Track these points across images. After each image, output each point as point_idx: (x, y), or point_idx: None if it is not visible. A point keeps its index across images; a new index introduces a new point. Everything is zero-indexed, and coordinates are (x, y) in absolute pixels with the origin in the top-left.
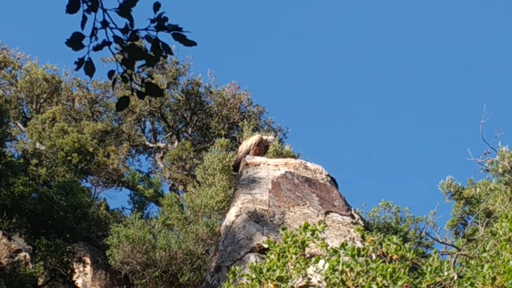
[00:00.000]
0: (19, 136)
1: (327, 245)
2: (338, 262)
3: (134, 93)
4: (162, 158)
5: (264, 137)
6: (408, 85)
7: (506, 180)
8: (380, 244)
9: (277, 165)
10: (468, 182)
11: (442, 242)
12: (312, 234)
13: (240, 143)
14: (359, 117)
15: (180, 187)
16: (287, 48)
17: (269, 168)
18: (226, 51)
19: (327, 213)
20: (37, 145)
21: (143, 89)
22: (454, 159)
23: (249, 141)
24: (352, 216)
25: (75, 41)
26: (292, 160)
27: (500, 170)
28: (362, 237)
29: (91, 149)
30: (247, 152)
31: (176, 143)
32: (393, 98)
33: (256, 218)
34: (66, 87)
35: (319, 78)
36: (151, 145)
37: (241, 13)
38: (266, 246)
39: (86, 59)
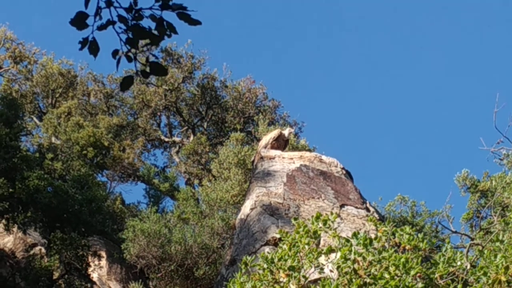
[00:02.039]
0: (35, 130)
1: (339, 235)
2: (350, 251)
3: (139, 73)
4: (177, 152)
5: (284, 132)
6: (420, 78)
7: None
8: (393, 234)
9: (292, 158)
10: (484, 175)
11: (455, 232)
12: (325, 224)
13: (255, 137)
14: (374, 111)
15: (196, 181)
16: (302, 42)
17: (284, 161)
18: (242, 45)
19: (342, 206)
20: (53, 139)
21: (147, 69)
22: (469, 150)
23: (268, 136)
24: (367, 209)
25: (79, 21)
26: (307, 153)
27: None
28: (376, 228)
29: (106, 144)
30: (265, 147)
31: (191, 137)
32: (407, 92)
33: (271, 211)
34: (82, 81)
35: (334, 72)
36: (166, 139)
37: (255, 7)
38: (279, 236)
39: (90, 38)
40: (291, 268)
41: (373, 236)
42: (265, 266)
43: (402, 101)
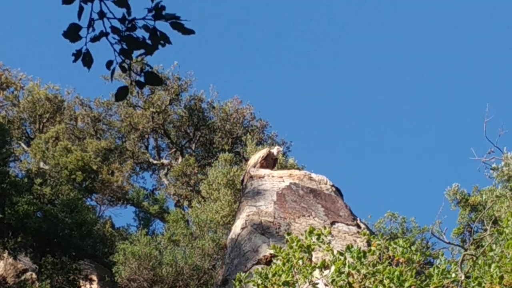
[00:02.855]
0: (23, 156)
1: (332, 249)
2: (344, 264)
3: (134, 84)
4: (166, 174)
5: (272, 151)
6: (408, 91)
7: (511, 186)
8: (386, 247)
9: (281, 177)
10: (474, 189)
11: (449, 243)
12: (318, 239)
13: (244, 158)
14: (362, 128)
15: (185, 203)
16: (289, 62)
17: (273, 180)
18: (228, 66)
19: (332, 223)
20: (41, 164)
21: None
22: (458, 163)
23: (257, 155)
24: (358, 226)
25: (72, 33)
26: (296, 172)
27: (506, 177)
28: (368, 243)
29: (95, 167)
30: (254, 166)
31: (180, 159)
32: (394, 107)
33: (262, 230)
34: (69, 106)
35: (320, 90)
36: (155, 162)
37: (241, 28)
38: (271, 251)
39: (83, 50)
40: (286, 283)
41: (366, 249)
42: (259, 282)
43: (390, 116)
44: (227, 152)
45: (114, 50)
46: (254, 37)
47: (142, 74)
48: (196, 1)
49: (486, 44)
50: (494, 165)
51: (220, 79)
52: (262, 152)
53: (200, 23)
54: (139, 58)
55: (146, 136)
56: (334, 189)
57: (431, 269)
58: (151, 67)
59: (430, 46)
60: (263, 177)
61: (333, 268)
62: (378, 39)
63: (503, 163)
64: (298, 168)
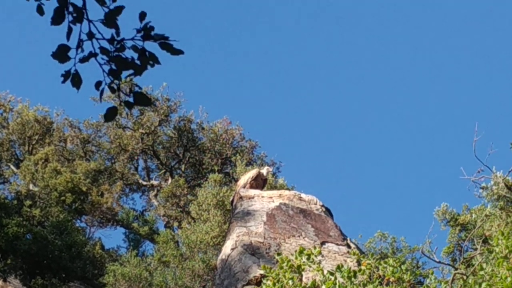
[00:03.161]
0: (12, 178)
1: (322, 269)
2: (335, 284)
3: (123, 105)
4: (156, 195)
5: (262, 171)
6: (397, 112)
7: (501, 205)
8: (377, 267)
9: (271, 197)
10: (464, 208)
11: (439, 262)
12: (308, 259)
13: (234, 178)
14: (352, 148)
15: (175, 224)
16: (277, 83)
17: (263, 201)
18: (217, 86)
19: (323, 243)
20: (31, 186)
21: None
22: (448, 182)
23: (246, 176)
24: (348, 246)
25: (61, 53)
26: (286, 192)
27: (495, 196)
28: (358, 262)
29: (84, 189)
30: (244, 187)
31: (169, 180)
32: (381, 127)
33: (252, 251)
34: (58, 127)
35: (311, 110)
36: (144, 183)
37: (229, 48)
38: (262, 272)
39: (72, 71)
40: None
41: (356, 269)
42: None
43: (379, 137)
44: (216, 173)
45: (103, 70)
46: (243, 58)
47: (131, 94)
48: (185, 22)
49: (474, 65)
50: (483, 184)
51: (209, 99)
52: (252, 173)
53: (189, 43)
54: (128, 79)
55: (136, 157)
56: (324, 209)
57: None
58: (140, 88)
59: (414, 70)
60: (253, 197)
61: (324, 287)
62: (362, 62)
63: (492, 182)
64: (287, 189)
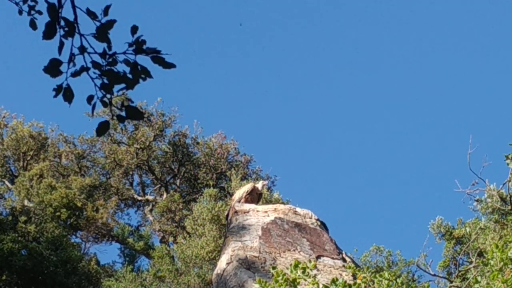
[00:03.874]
0: (7, 194)
1: (318, 282)
2: None
3: (115, 118)
4: (151, 210)
5: (257, 185)
6: (392, 123)
7: (495, 218)
8: (372, 281)
9: (266, 211)
10: (458, 221)
11: (434, 275)
12: (303, 272)
13: (229, 193)
14: (347, 162)
15: (170, 239)
16: (272, 96)
17: (258, 215)
18: (212, 101)
19: (318, 257)
20: (26, 202)
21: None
22: (442, 195)
23: (241, 190)
24: (344, 260)
25: (53, 68)
26: (281, 206)
27: (490, 209)
28: (354, 276)
29: (79, 204)
30: (239, 201)
31: (164, 195)
32: (376, 141)
33: (247, 265)
34: (53, 143)
35: (305, 124)
36: (139, 198)
37: (224, 62)
38: (257, 286)
39: (64, 85)
40: None
41: (352, 283)
42: None
43: (373, 149)
44: (211, 188)
45: (95, 84)
46: (238, 72)
47: (123, 108)
48: (179, 35)
49: (468, 77)
50: (478, 197)
51: (204, 114)
52: (247, 187)
53: (183, 57)
54: (120, 93)
55: (131, 172)
56: (319, 223)
57: None
58: (132, 101)
59: (406, 84)
60: (248, 212)
61: None
62: (351, 78)
63: (486, 194)
64: (283, 203)
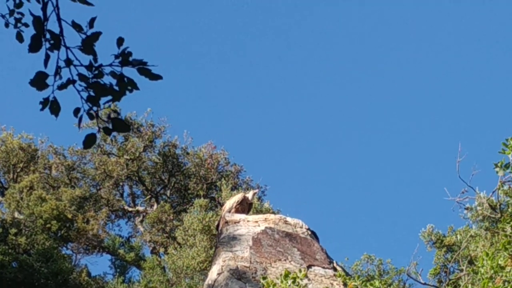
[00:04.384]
0: None
1: None
2: None
3: (101, 131)
4: (141, 221)
5: (247, 195)
6: (381, 131)
7: (486, 225)
8: None
9: (256, 221)
10: (449, 229)
11: (424, 284)
12: (294, 282)
13: (219, 203)
14: (337, 171)
15: (161, 250)
16: (261, 106)
17: (249, 225)
18: (201, 111)
19: (309, 266)
20: (16, 214)
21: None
22: (432, 203)
23: (232, 200)
24: (335, 269)
25: (39, 81)
26: (271, 216)
27: (480, 216)
28: (344, 284)
29: (70, 216)
30: (230, 211)
31: (155, 206)
32: (366, 150)
33: (238, 275)
34: (43, 155)
35: (295, 134)
36: (130, 209)
37: (212, 72)
38: None
39: (51, 98)
40: None
41: None
42: None
43: (362, 159)
44: (202, 198)
45: (81, 97)
46: (227, 82)
47: (110, 121)
48: (165, 45)
49: (457, 84)
50: (468, 205)
51: (193, 124)
52: (237, 197)
53: (172, 67)
54: (107, 105)
55: (121, 183)
56: (309, 232)
57: None
58: (119, 114)
59: (397, 90)
60: (238, 222)
61: None
62: (341, 83)
63: (476, 202)
64: (273, 212)
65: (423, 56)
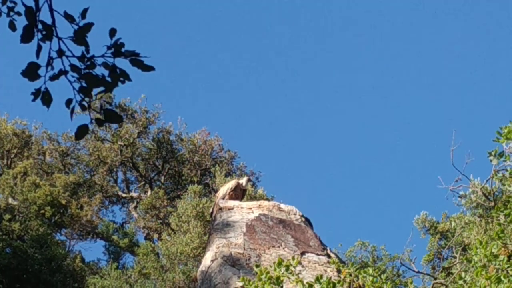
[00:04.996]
0: None
1: (302, 280)
2: None
3: (93, 122)
4: (135, 207)
5: (241, 182)
6: (375, 118)
7: (480, 212)
8: (357, 276)
9: (250, 208)
10: (443, 216)
11: (418, 272)
12: (287, 270)
13: (213, 189)
14: (331, 157)
15: (155, 236)
16: (255, 92)
17: (242, 211)
18: (195, 97)
19: (303, 253)
20: (10, 200)
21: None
22: (426, 190)
23: (225, 186)
24: (328, 256)
25: (30, 72)
26: (265, 202)
27: (474, 203)
28: (338, 271)
29: (64, 202)
30: (224, 198)
31: (149, 192)
32: (361, 136)
33: (232, 262)
34: (37, 141)
35: (289, 119)
36: (124, 195)
37: (206, 58)
38: (241, 285)
39: (43, 89)
40: None
41: (336, 280)
42: None
43: (357, 144)
44: (196, 184)
45: (74, 88)
46: (220, 68)
47: (102, 112)
48: (158, 32)
49: (451, 73)
50: (462, 193)
51: (187, 111)
52: (231, 184)
53: (166, 54)
54: (99, 96)
55: (115, 169)
56: (303, 219)
57: None
58: (110, 104)
59: (391, 80)
60: (232, 208)
61: None
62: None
63: (470, 190)
64: (267, 199)
65: (416, 42)
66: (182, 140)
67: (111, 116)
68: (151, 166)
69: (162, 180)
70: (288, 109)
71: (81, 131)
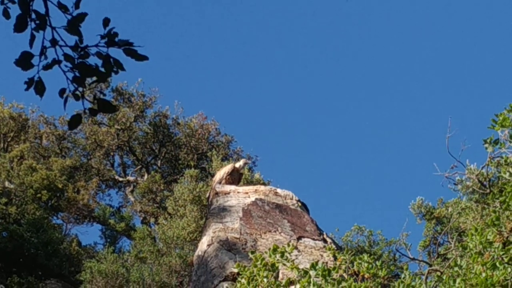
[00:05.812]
0: None
1: (297, 267)
2: (309, 282)
3: (87, 111)
4: (132, 191)
5: (237, 165)
6: (372, 106)
7: (476, 198)
8: (352, 263)
9: (247, 193)
10: (439, 201)
11: (413, 259)
12: (282, 256)
13: (210, 173)
14: (328, 142)
15: (152, 220)
16: (252, 76)
17: (239, 196)
18: (192, 81)
19: (299, 238)
20: (6, 183)
21: (95, 106)
22: (422, 176)
23: (222, 171)
24: (325, 241)
25: (24, 61)
26: (262, 187)
27: (470, 189)
28: (334, 257)
29: (60, 186)
30: (220, 182)
31: (145, 176)
32: (358, 124)
33: (228, 247)
34: (33, 124)
35: (285, 103)
36: (120, 179)
37: (203, 41)
38: (236, 270)
39: (36, 78)
40: None
41: (331, 266)
42: None
43: (354, 131)
44: (192, 168)
45: (67, 78)
46: (217, 51)
47: (96, 101)
48: (157, 16)
49: (447, 61)
50: (458, 178)
51: (184, 95)
52: (227, 168)
53: (162, 37)
54: (93, 85)
55: (112, 153)
56: (300, 204)
57: (396, 284)
58: (104, 94)
59: (387, 67)
60: (228, 193)
61: (298, 286)
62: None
63: (466, 176)
64: (263, 184)
65: (412, 31)
66: (178, 124)
67: (105, 106)
68: (148, 150)
69: (159, 164)
70: (285, 93)
71: (75, 121)
